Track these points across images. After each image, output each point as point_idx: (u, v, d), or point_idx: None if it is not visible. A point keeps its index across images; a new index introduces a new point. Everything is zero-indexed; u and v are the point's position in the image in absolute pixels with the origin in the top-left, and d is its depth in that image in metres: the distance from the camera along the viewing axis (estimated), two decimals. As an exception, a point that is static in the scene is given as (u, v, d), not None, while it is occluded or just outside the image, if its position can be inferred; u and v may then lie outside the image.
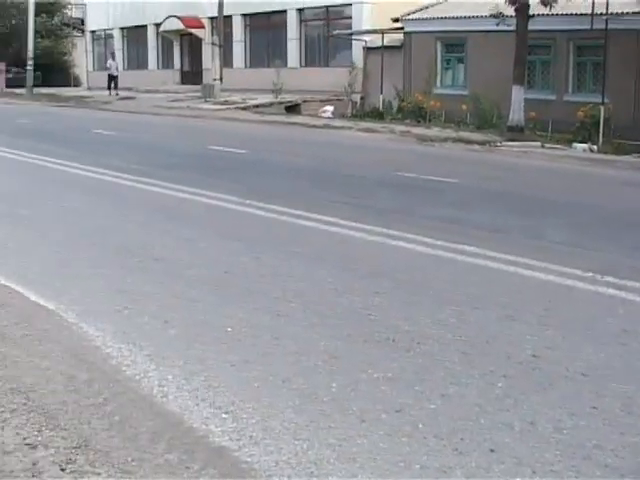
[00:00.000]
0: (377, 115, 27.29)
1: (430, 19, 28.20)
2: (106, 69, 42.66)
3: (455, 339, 5.46)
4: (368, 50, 30.93)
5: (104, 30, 51.75)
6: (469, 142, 19.89)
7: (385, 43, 29.25)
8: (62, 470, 3.72)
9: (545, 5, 21.21)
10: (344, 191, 11.52)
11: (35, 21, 45.65)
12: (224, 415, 4.37)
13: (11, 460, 3.81)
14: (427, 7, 28.94)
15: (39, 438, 4.02)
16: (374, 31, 30.09)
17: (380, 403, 4.49)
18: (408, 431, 4.17)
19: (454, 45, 28.41)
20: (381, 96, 28.51)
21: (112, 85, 41.24)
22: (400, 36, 29.27)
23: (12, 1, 57.82)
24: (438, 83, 28.20)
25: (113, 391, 4.66)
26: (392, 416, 4.34)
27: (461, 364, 5.03)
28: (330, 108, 29.18)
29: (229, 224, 9.38)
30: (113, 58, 42.68)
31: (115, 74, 41.66)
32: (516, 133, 20.99)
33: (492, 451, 3.97)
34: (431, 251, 7.99)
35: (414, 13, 28.78)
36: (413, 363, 5.04)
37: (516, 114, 21.37)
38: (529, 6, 21.14)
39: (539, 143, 20.07)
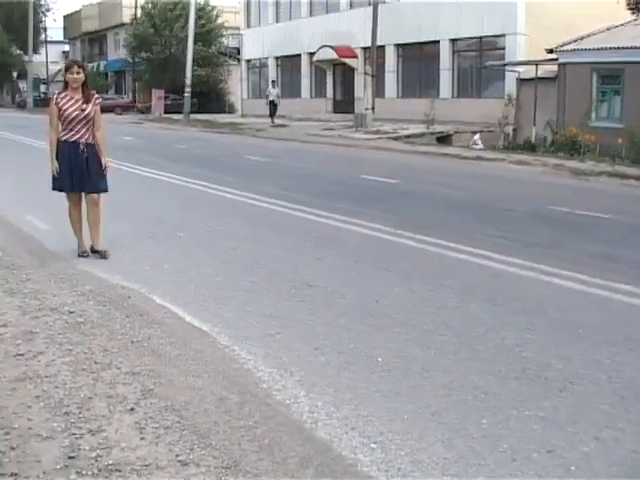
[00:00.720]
0: (529, 147, 26.89)
1: (586, 50, 27.61)
2: (266, 97, 43.12)
3: (610, 381, 5.31)
4: (521, 81, 30.59)
5: (259, 59, 53.01)
6: (625, 177, 19.31)
7: (539, 74, 28.87)
8: (212, 489, 3.82)
9: None
10: (496, 224, 11.40)
11: (193, 50, 47.09)
12: (373, 445, 4.39)
13: (164, 476, 3.94)
14: (582, 38, 28.35)
15: (191, 456, 4.14)
16: (528, 62, 29.76)
17: (531, 442, 4.41)
18: (560, 473, 4.09)
19: (610, 77, 27.65)
20: (534, 128, 28.12)
21: (274, 113, 41.71)
22: (554, 67, 28.82)
23: (171, 31, 60.11)
24: (593, 116, 27.54)
25: (264, 414, 4.74)
26: (543, 456, 4.26)
27: (616, 407, 4.89)
28: (480, 139, 28.92)
29: (381, 254, 9.40)
30: (273, 86, 43.16)
31: (276, 102, 42.05)
32: (675, 168, 20.27)
33: (649, 500, 3.86)
34: (585, 288, 7.79)
35: (569, 44, 28.24)
36: (566, 403, 4.94)
37: (675, 149, 20.68)
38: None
39: (700, 179, 19.31)
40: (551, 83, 28.62)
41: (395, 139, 30.08)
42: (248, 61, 54.76)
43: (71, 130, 8.90)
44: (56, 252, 9.49)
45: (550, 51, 28.51)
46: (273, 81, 45.46)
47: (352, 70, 42.62)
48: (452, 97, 36.31)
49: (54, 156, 9.02)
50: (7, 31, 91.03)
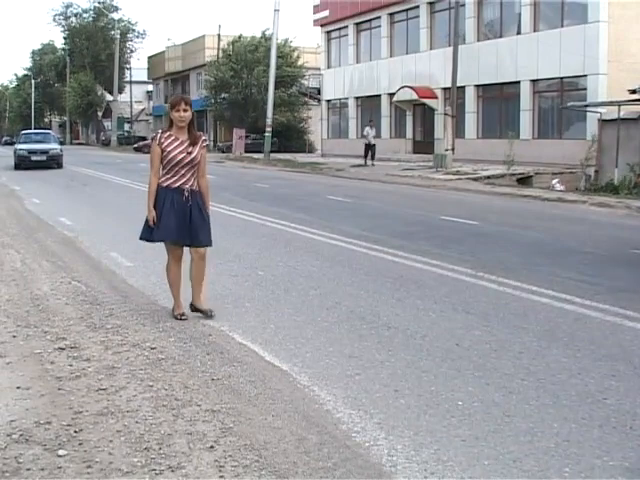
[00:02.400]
0: (612, 189, 26.49)
1: (670, 90, 27.16)
2: (362, 137, 41.52)
3: (699, 432, 5.16)
4: (603, 122, 30.20)
5: (339, 99, 53.37)
6: None
7: (621, 115, 28.47)
8: (291, 531, 3.82)
9: None
10: (578, 267, 11.22)
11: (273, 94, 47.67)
12: (453, 491, 4.35)
13: (243, 516, 3.96)
14: (667, 78, 27.91)
15: (270, 496, 4.14)
16: (610, 103, 29.36)
17: (616, 493, 4.32)
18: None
19: (696, 117, 27.21)
20: (616, 170, 27.70)
21: (369, 154, 39.92)
22: (637, 108, 28.39)
23: (250, 74, 61.16)
24: (678, 157, 27.00)
25: (343, 456, 4.73)
26: (629, 508, 4.16)
27: None
28: (559, 183, 28.54)
29: (460, 296, 9.32)
30: (371, 126, 41.12)
31: (372, 143, 40.15)
32: None
33: None
34: (671, 335, 7.62)
35: (653, 84, 27.84)
36: (652, 454, 4.81)
37: None
38: None
39: None
40: (633, 124, 28.21)
41: (475, 180, 29.93)
42: (328, 101, 55.16)
43: (175, 175, 7.92)
44: (138, 288, 9.66)
45: (633, 91, 28.08)
46: (371, 121, 43.56)
47: (432, 111, 42.64)
48: (532, 138, 36.02)
49: (152, 203, 7.94)
50: (93, 71, 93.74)
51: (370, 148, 40.23)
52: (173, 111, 7.88)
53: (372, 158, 39.98)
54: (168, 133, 7.95)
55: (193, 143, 7.94)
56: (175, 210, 7.92)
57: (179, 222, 7.94)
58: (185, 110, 7.83)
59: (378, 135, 45.71)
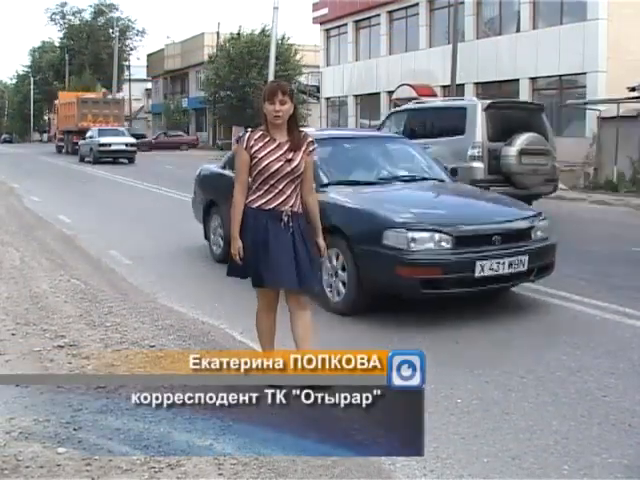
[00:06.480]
0: (611, 187, 26.46)
1: (670, 88, 27.16)
2: None
3: (698, 429, 5.16)
4: (602, 120, 30.17)
5: (338, 97, 53.35)
6: None
7: (620, 113, 28.45)
8: (291, 529, 3.81)
9: None
10: (577, 265, 11.19)
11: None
12: (452, 489, 4.35)
13: (241, 513, 3.95)
14: (666, 75, 27.92)
15: (269, 494, 4.10)
16: (609, 101, 29.33)
17: (615, 490, 4.32)
18: (645, 523, 3.99)
19: (695, 115, 27.19)
20: (615, 167, 27.67)
21: None
22: (637, 105, 28.38)
23: (247, 76, 61.03)
24: (677, 155, 27.00)
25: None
26: (628, 505, 4.16)
27: None
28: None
29: (458, 293, 9.32)
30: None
31: None
32: None
33: None
34: (670, 332, 7.63)
35: (652, 82, 27.83)
36: (651, 451, 4.81)
37: None
38: None
39: None
40: (633, 122, 28.18)
41: (474, 177, 29.84)
42: (327, 99, 55.15)
43: (268, 191, 5.56)
44: (138, 286, 9.64)
45: (632, 89, 28.08)
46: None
47: (431, 108, 42.55)
48: (532, 136, 35.96)
49: (237, 229, 5.59)
50: (93, 69, 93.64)
51: None
52: (267, 103, 5.55)
53: None
54: (260, 133, 5.65)
55: (295, 147, 5.60)
56: (271, 241, 5.59)
57: (277, 257, 5.64)
58: (283, 102, 5.51)
59: (377, 133, 45.59)
